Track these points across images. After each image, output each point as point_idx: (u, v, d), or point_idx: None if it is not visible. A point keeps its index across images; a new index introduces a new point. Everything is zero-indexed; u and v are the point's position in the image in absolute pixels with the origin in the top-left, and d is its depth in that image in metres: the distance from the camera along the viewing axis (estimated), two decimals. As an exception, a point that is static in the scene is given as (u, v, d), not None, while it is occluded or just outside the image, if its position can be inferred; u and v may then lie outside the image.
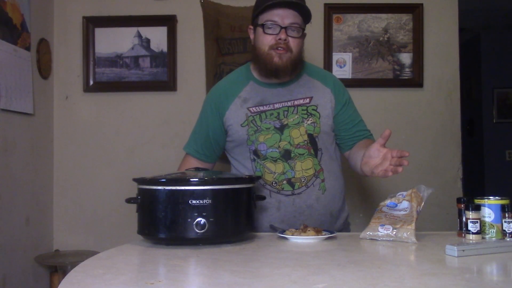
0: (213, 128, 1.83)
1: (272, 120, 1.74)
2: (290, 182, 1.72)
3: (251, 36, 1.79)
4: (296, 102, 1.76)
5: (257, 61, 1.76)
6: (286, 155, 1.72)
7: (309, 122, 1.74)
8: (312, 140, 1.74)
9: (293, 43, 1.69)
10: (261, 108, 1.76)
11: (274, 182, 1.72)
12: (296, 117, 1.74)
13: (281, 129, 1.74)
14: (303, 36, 1.74)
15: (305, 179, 1.72)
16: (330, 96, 1.80)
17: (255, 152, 1.75)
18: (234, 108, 1.78)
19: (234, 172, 1.85)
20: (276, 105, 1.76)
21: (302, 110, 1.76)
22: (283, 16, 1.67)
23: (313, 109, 1.76)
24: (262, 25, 1.70)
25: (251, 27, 1.78)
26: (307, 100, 1.77)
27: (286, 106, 1.76)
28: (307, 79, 1.82)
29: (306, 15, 1.72)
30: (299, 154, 1.72)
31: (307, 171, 1.72)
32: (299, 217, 1.72)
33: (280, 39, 1.67)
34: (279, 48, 1.68)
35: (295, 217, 1.72)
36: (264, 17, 1.70)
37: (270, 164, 1.73)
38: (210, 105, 1.84)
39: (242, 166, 1.80)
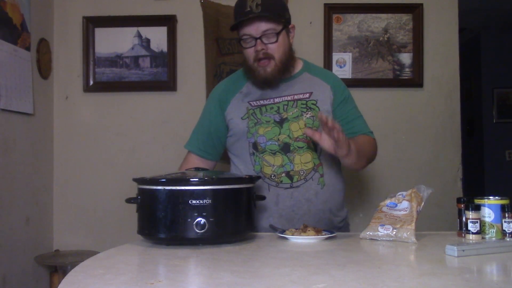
0: (216, 124, 1.85)
1: (272, 113, 1.77)
2: (288, 175, 1.73)
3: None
4: (296, 97, 1.79)
5: (248, 73, 1.80)
6: (285, 148, 1.74)
7: (308, 115, 1.76)
8: None
9: (272, 49, 1.72)
10: (262, 102, 1.79)
11: (272, 175, 1.73)
12: (295, 110, 1.77)
13: (281, 122, 1.76)
14: (284, 36, 1.74)
15: (304, 172, 1.73)
16: (329, 92, 1.82)
17: (254, 145, 1.77)
18: (235, 102, 1.82)
19: (233, 170, 1.86)
20: (276, 100, 1.79)
21: (302, 104, 1.78)
22: (254, 27, 1.70)
23: (312, 103, 1.78)
24: (240, 40, 1.75)
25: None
26: (307, 95, 1.80)
27: (286, 100, 1.78)
28: (308, 76, 1.85)
29: (277, 17, 1.71)
30: (298, 147, 1.74)
31: (306, 165, 1.73)
32: (298, 212, 1.72)
33: (257, 50, 1.71)
34: (261, 60, 1.72)
35: (294, 211, 1.72)
36: (240, 32, 1.73)
37: (269, 157, 1.74)
38: (213, 101, 1.88)
39: (241, 161, 1.81)
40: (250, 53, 1.74)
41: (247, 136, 1.77)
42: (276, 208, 1.73)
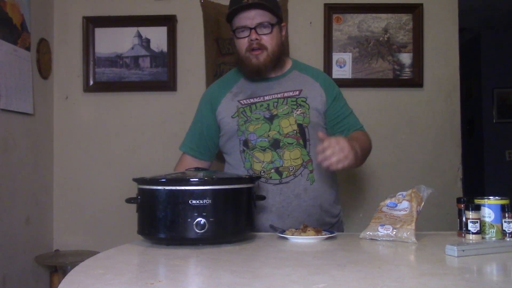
0: (207, 124, 1.88)
1: (262, 110, 1.79)
2: (278, 171, 1.74)
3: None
4: (285, 94, 1.81)
5: (240, 65, 1.84)
6: (275, 144, 1.75)
7: (298, 112, 1.78)
8: (301, 130, 1.77)
9: (266, 40, 1.75)
10: (252, 100, 1.81)
11: (262, 171, 1.75)
12: (285, 107, 1.79)
13: (271, 119, 1.78)
14: (277, 29, 1.78)
15: (293, 168, 1.74)
16: (320, 90, 1.84)
17: (245, 143, 1.78)
18: (225, 102, 1.84)
19: (226, 169, 1.87)
20: (266, 97, 1.81)
21: (292, 101, 1.80)
22: (249, 17, 1.74)
23: (302, 101, 1.81)
24: (234, 31, 1.78)
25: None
26: (297, 93, 1.82)
27: (276, 97, 1.81)
28: (297, 74, 1.88)
29: (273, 9, 1.76)
30: (288, 143, 1.75)
31: (295, 161, 1.75)
32: (287, 207, 1.73)
33: (252, 40, 1.74)
34: (254, 49, 1.75)
35: (283, 207, 1.73)
36: (235, 23, 1.77)
37: (259, 153, 1.76)
38: (204, 102, 1.92)
39: (232, 159, 1.82)
40: (243, 43, 1.76)
41: (237, 134, 1.79)
42: (266, 204, 1.73)
